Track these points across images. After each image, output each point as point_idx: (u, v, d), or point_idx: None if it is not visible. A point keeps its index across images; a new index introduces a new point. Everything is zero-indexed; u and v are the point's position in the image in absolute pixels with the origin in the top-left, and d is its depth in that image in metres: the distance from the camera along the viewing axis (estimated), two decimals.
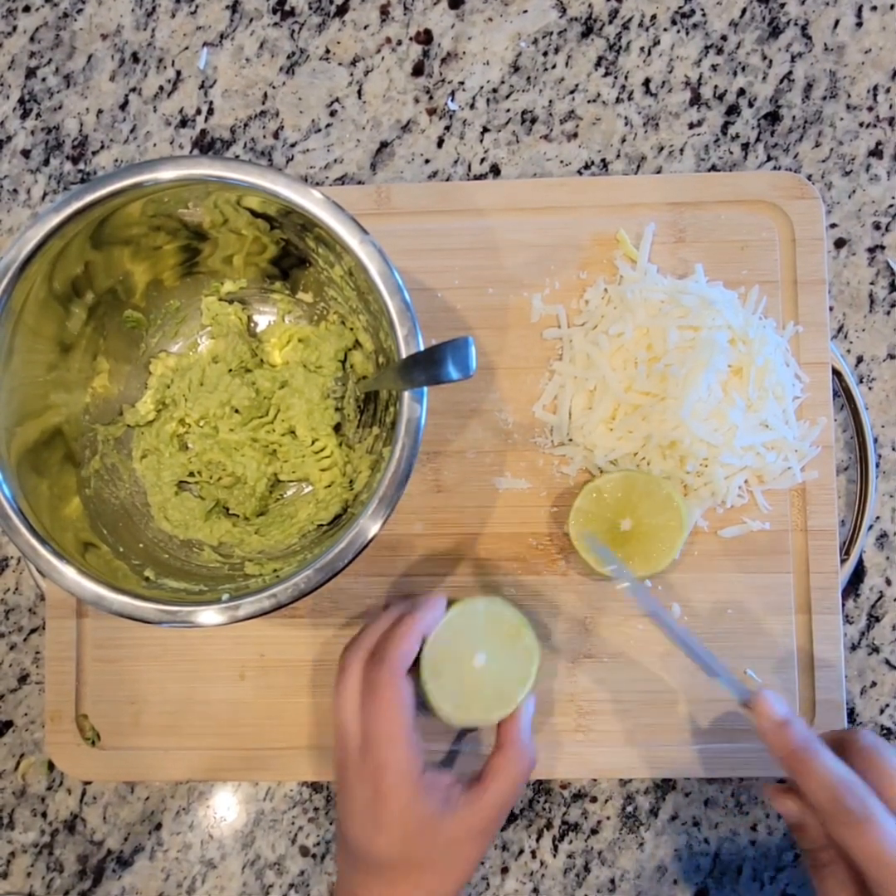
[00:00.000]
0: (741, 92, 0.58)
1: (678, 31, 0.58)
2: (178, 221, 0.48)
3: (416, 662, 0.46)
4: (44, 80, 0.60)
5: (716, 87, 0.58)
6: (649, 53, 0.58)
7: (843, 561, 0.53)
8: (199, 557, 0.51)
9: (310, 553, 0.48)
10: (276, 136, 0.59)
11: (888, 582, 0.55)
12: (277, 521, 0.53)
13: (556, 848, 0.54)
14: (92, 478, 0.50)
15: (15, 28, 0.60)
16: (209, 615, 0.42)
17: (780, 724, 0.43)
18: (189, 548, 0.52)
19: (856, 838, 0.38)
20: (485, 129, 0.58)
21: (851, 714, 0.54)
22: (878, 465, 0.55)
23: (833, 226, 0.57)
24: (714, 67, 0.58)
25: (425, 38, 0.59)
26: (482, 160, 0.58)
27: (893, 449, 0.56)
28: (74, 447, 0.50)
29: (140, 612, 0.42)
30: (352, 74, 0.59)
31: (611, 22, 0.58)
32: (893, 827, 0.38)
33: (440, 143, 0.58)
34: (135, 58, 0.59)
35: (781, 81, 0.58)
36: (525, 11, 0.59)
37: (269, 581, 0.44)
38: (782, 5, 0.58)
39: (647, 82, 0.58)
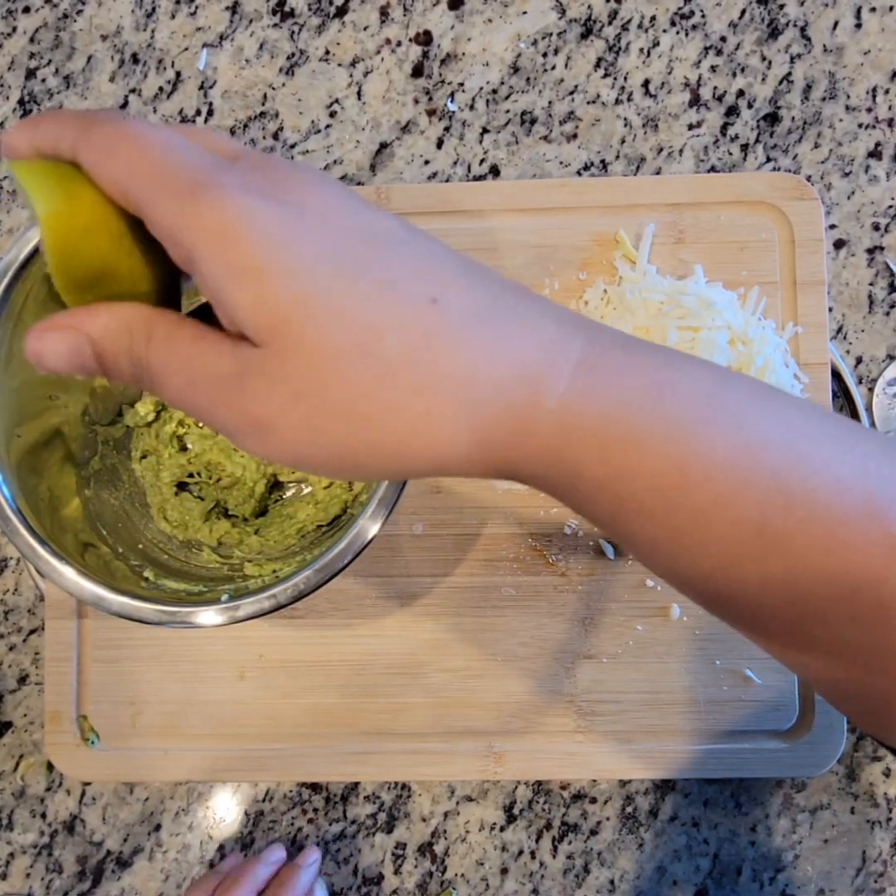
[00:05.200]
0: (740, 93, 0.58)
1: (677, 33, 0.58)
2: None
3: None
4: (44, 80, 0.60)
5: (715, 88, 0.58)
6: (649, 55, 0.58)
7: None
8: (198, 558, 0.51)
9: (309, 554, 0.48)
10: (275, 136, 0.59)
11: None
12: (276, 522, 0.53)
13: (555, 849, 0.54)
14: (91, 479, 0.50)
15: (15, 29, 0.60)
16: (208, 616, 0.42)
17: None
18: (188, 548, 0.52)
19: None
20: (484, 130, 0.58)
21: None
22: None
23: (832, 227, 0.57)
24: (713, 68, 0.58)
25: (425, 39, 0.59)
26: (482, 161, 0.58)
27: None
28: (74, 448, 0.50)
29: (139, 613, 0.42)
30: (351, 75, 0.59)
31: (610, 23, 0.58)
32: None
33: (440, 144, 0.58)
34: (135, 59, 0.59)
35: (781, 82, 0.58)
36: (524, 12, 0.59)
37: (269, 582, 0.44)
38: (781, 6, 0.58)
39: (646, 83, 0.58)
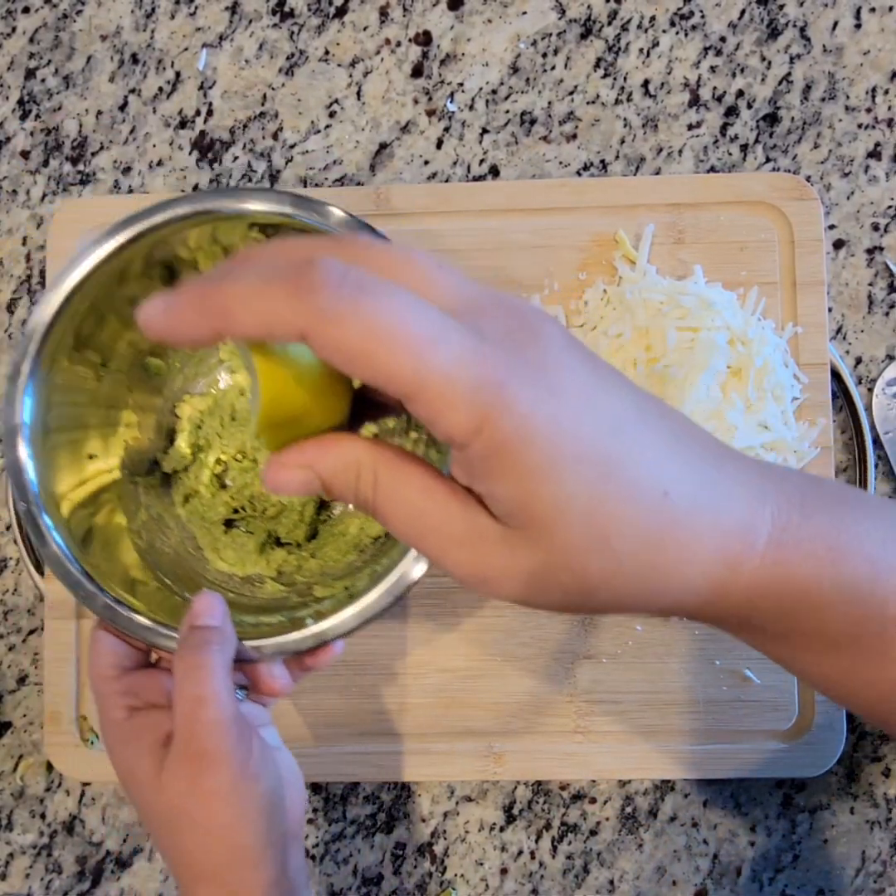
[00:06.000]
0: (740, 93, 0.58)
1: (677, 33, 0.58)
2: (182, 263, 0.47)
3: None
4: (43, 81, 0.60)
5: (715, 88, 0.58)
6: (648, 55, 0.58)
7: None
8: (263, 591, 0.50)
9: (378, 564, 0.47)
10: (275, 137, 0.59)
11: None
12: (330, 542, 0.52)
13: (555, 849, 0.54)
14: (142, 530, 0.50)
15: (14, 29, 0.60)
16: (298, 642, 0.41)
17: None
18: (251, 584, 0.51)
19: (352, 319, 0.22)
20: (484, 131, 0.58)
21: (851, 714, 0.54)
22: (877, 467, 0.55)
23: (832, 227, 0.57)
24: (713, 69, 0.58)
25: (424, 39, 0.59)
26: (481, 161, 0.58)
27: None
28: (120, 502, 0.49)
29: (244, 653, 0.41)
30: (351, 76, 0.59)
31: (610, 23, 0.58)
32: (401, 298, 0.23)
33: (439, 144, 0.58)
34: (134, 59, 0.59)
35: (780, 83, 0.58)
36: (524, 13, 0.59)
37: (343, 599, 0.44)
38: (781, 7, 0.58)
39: (645, 84, 0.58)
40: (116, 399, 0.50)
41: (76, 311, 0.44)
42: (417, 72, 0.59)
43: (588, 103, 0.58)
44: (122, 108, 0.59)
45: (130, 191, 0.59)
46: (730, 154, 0.58)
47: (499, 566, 0.26)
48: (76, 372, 0.46)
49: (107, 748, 0.40)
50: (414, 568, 0.42)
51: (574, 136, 0.58)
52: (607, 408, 0.25)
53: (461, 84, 0.59)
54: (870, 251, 0.57)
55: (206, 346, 0.25)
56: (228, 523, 0.53)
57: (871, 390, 0.56)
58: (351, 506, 0.52)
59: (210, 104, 0.59)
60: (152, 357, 0.51)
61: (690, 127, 0.58)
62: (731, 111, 0.58)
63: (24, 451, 0.43)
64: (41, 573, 0.55)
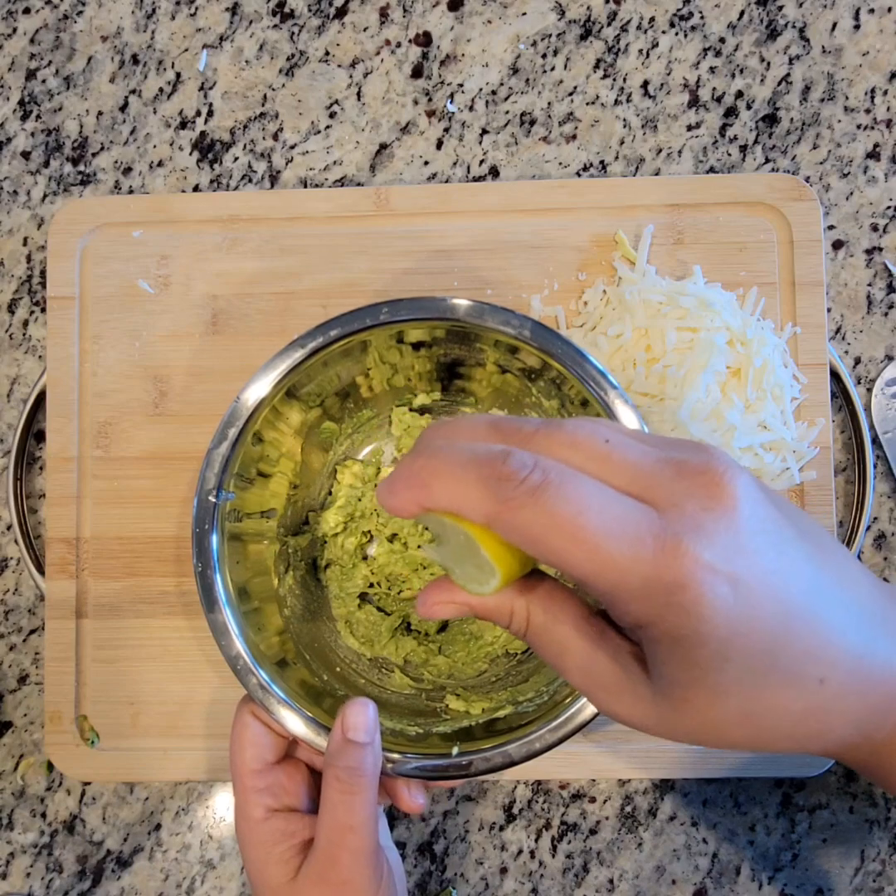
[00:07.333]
0: (739, 94, 0.58)
1: (676, 34, 0.58)
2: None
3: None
4: (44, 81, 0.60)
5: (714, 89, 0.58)
6: (648, 56, 0.58)
7: None
8: (391, 681, 0.50)
9: (521, 694, 0.47)
10: (275, 137, 0.59)
11: (886, 582, 0.55)
12: (460, 640, 0.52)
13: (554, 848, 0.55)
14: (288, 596, 0.50)
15: (15, 30, 0.60)
16: (441, 770, 0.41)
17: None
18: (379, 669, 0.51)
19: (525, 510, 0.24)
20: (484, 131, 0.58)
21: None
22: (875, 466, 0.55)
23: (831, 227, 0.57)
24: (712, 70, 0.58)
25: (424, 40, 0.59)
26: (481, 162, 0.58)
27: None
28: (272, 562, 0.49)
29: (385, 768, 0.41)
30: (351, 76, 0.59)
31: (609, 24, 0.59)
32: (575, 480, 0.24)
33: (439, 144, 0.59)
34: (135, 60, 0.60)
35: (779, 84, 0.58)
36: (524, 14, 0.59)
37: (481, 730, 0.43)
38: (780, 8, 0.58)
39: (645, 84, 0.58)
40: (289, 460, 0.50)
41: (286, 389, 0.44)
42: (417, 73, 0.59)
43: (588, 104, 0.58)
44: (123, 108, 0.59)
45: (131, 191, 0.59)
46: (729, 155, 0.58)
47: (642, 717, 0.27)
48: (269, 435, 0.46)
49: (240, 843, 0.40)
50: (576, 718, 0.41)
51: (574, 137, 0.58)
52: (782, 591, 0.25)
53: (461, 85, 0.59)
54: (869, 252, 0.57)
55: (417, 516, 0.26)
56: (362, 597, 0.53)
57: (870, 390, 0.56)
58: None
59: (210, 105, 0.59)
60: (330, 421, 0.51)
61: (690, 127, 0.58)
62: (731, 112, 0.58)
63: (215, 523, 0.43)
64: (42, 573, 0.55)
